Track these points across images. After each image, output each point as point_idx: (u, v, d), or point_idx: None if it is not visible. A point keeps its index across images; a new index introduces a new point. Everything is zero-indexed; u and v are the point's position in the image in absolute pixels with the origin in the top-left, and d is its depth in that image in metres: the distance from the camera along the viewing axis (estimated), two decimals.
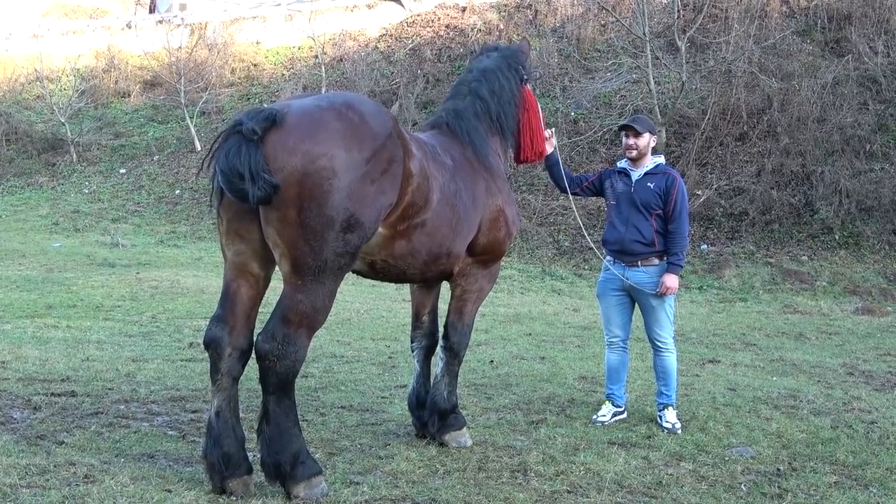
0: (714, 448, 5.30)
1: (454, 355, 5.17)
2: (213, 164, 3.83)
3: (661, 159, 6.09)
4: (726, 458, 5.09)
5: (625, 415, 6.06)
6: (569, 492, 4.33)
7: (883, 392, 7.33)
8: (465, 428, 5.18)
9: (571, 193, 6.23)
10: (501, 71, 5.36)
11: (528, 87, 5.58)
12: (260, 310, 4.17)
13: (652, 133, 6.02)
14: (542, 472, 4.61)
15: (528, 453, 4.95)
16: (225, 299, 4.02)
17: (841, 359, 9.06)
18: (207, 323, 4.07)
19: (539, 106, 5.63)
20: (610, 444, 5.28)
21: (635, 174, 5.97)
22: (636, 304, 6.06)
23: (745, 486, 4.61)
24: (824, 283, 14.92)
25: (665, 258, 5.87)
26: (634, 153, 5.97)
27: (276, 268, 4.08)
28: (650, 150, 6.02)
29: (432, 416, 5.10)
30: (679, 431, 5.70)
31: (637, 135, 5.94)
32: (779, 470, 4.92)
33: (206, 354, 4.04)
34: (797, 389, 7.19)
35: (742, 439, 5.54)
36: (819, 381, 7.73)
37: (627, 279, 5.90)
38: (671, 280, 5.78)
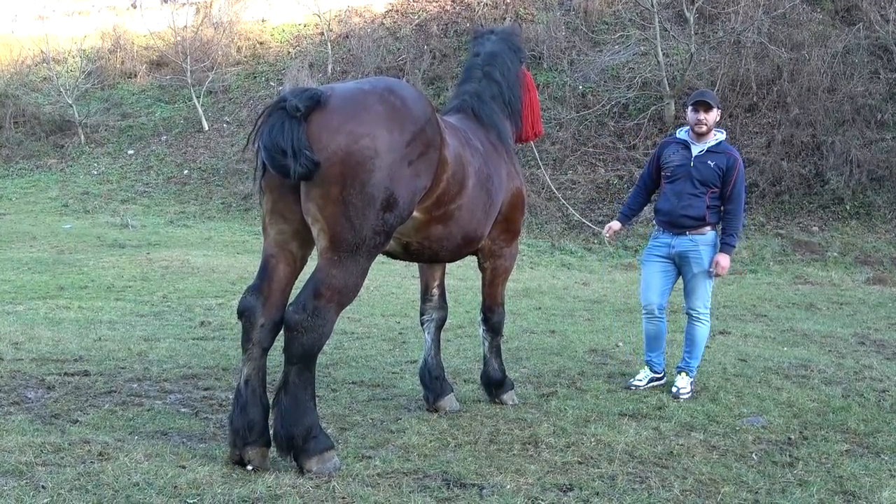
0: (725, 418, 5.31)
1: (496, 333, 5.53)
2: (256, 140, 3.90)
3: (724, 136, 6.05)
4: (737, 428, 5.09)
5: (663, 380, 6.15)
6: (580, 463, 4.34)
7: (894, 361, 7.31)
8: (513, 389, 5.65)
9: (654, 194, 6.43)
10: (505, 53, 5.51)
11: (525, 68, 5.72)
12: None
13: (718, 107, 5.99)
14: (553, 444, 4.62)
15: (538, 425, 4.97)
16: (263, 272, 4.08)
17: (852, 328, 9.04)
18: (242, 293, 4.11)
19: (535, 86, 5.80)
20: (621, 415, 5.29)
21: (696, 148, 5.95)
22: (679, 276, 6.10)
23: (756, 455, 4.62)
24: (835, 254, 14.86)
25: (712, 228, 5.92)
26: (705, 128, 5.92)
27: (312, 248, 4.15)
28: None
29: (489, 387, 5.56)
30: (682, 398, 5.75)
31: (708, 109, 5.91)
32: (790, 439, 4.92)
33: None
34: (808, 359, 7.18)
35: (753, 409, 5.54)
36: (830, 350, 7.71)
37: (673, 248, 5.96)
38: (725, 260, 5.84)
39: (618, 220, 6.40)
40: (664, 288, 6.09)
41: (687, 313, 6.09)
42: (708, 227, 5.91)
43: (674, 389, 5.85)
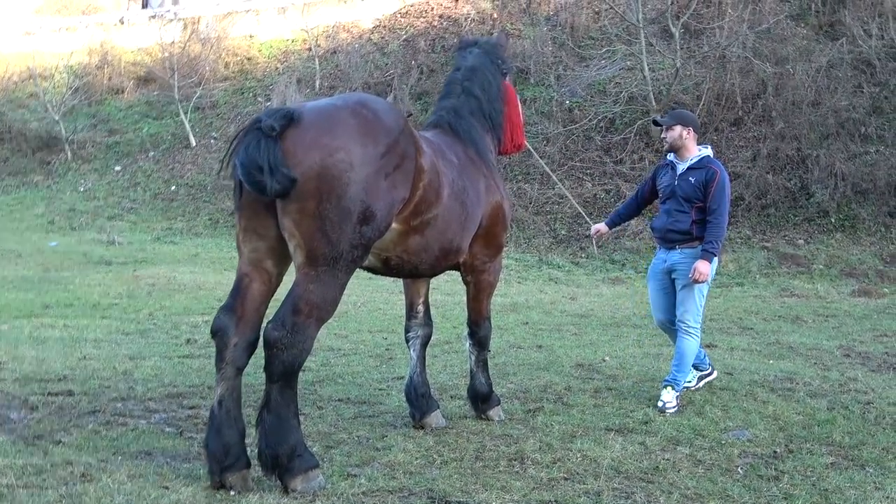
0: (711, 432, 5.32)
1: (482, 348, 5.54)
2: (232, 159, 3.92)
3: (708, 151, 6.23)
4: (723, 442, 5.11)
5: (713, 374, 6.60)
6: (566, 479, 4.34)
7: (879, 373, 7.35)
8: (499, 405, 5.65)
9: (644, 209, 6.77)
10: (486, 67, 5.56)
11: (508, 80, 5.76)
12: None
13: (685, 125, 6.15)
14: (538, 460, 4.62)
15: (525, 441, 4.97)
16: (237, 291, 4.08)
17: (837, 341, 9.07)
18: (216, 312, 4.10)
19: (518, 99, 5.86)
20: (607, 430, 5.29)
21: (679, 167, 6.18)
22: None
23: (741, 468, 4.63)
24: (821, 266, 14.93)
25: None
26: (666, 145, 6.28)
27: (287, 266, 4.17)
28: (690, 141, 6.17)
29: (476, 402, 5.57)
30: (668, 413, 5.77)
31: (665, 128, 6.20)
32: (775, 452, 4.93)
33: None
34: (794, 372, 7.20)
35: (739, 422, 5.56)
36: (816, 363, 7.74)
37: (666, 262, 6.16)
38: (703, 266, 5.88)
39: (605, 223, 6.75)
40: (668, 304, 6.26)
41: (676, 325, 6.15)
42: (697, 242, 6.02)
43: (660, 404, 5.87)
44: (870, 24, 19.79)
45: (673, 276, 6.13)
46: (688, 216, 6.02)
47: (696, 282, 5.92)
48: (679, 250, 6.07)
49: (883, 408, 5.99)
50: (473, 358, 5.54)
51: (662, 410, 5.80)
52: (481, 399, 5.55)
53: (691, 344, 6.06)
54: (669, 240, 6.12)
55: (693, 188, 6.00)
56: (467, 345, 5.57)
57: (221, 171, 4.32)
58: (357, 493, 3.98)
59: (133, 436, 4.85)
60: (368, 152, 3.92)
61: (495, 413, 5.56)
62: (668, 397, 5.90)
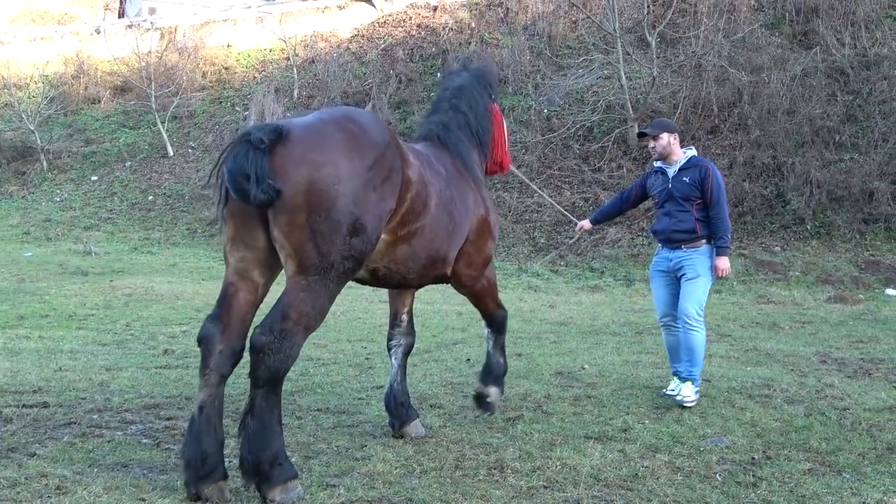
0: (689, 439, 5.34)
1: (501, 331, 5.61)
2: (221, 168, 3.96)
3: (693, 152, 6.49)
4: (701, 449, 5.12)
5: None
6: (545, 487, 4.34)
7: (855, 379, 7.41)
8: (503, 392, 5.67)
9: (628, 211, 7.14)
10: (475, 88, 5.67)
11: (495, 105, 5.85)
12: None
13: (670, 132, 6.41)
14: (518, 469, 4.62)
15: (504, 450, 4.97)
16: (223, 300, 4.09)
17: (814, 347, 9.14)
18: (203, 321, 4.11)
19: (504, 122, 5.94)
20: (586, 438, 5.30)
21: (671, 171, 6.41)
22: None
23: (720, 475, 4.65)
24: (797, 273, 15.06)
25: (708, 241, 6.28)
26: (655, 154, 6.47)
27: (274, 276, 4.20)
28: (676, 146, 6.44)
29: (488, 376, 5.55)
30: (688, 405, 6.05)
31: (653, 138, 6.42)
32: (753, 459, 4.96)
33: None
34: (771, 379, 7.25)
35: (717, 429, 5.58)
36: (793, 369, 7.79)
37: (671, 260, 6.35)
38: (723, 262, 6.23)
39: (590, 220, 7.09)
40: (672, 299, 6.43)
41: (680, 320, 6.30)
42: (703, 241, 6.26)
43: (679, 397, 6.12)
44: (843, 33, 20.08)
45: (679, 273, 6.31)
46: (690, 215, 6.24)
47: (719, 277, 6.24)
48: (684, 249, 6.28)
49: (859, 413, 6.04)
50: (492, 342, 5.60)
51: (681, 404, 6.06)
52: (494, 375, 5.55)
53: (698, 337, 6.23)
54: (674, 240, 6.31)
55: (689, 187, 6.23)
56: (485, 332, 5.65)
57: (209, 181, 4.33)
58: (336, 503, 3.96)
59: (109, 447, 4.80)
60: (355, 166, 3.96)
61: (496, 395, 5.54)
62: (687, 391, 6.13)
